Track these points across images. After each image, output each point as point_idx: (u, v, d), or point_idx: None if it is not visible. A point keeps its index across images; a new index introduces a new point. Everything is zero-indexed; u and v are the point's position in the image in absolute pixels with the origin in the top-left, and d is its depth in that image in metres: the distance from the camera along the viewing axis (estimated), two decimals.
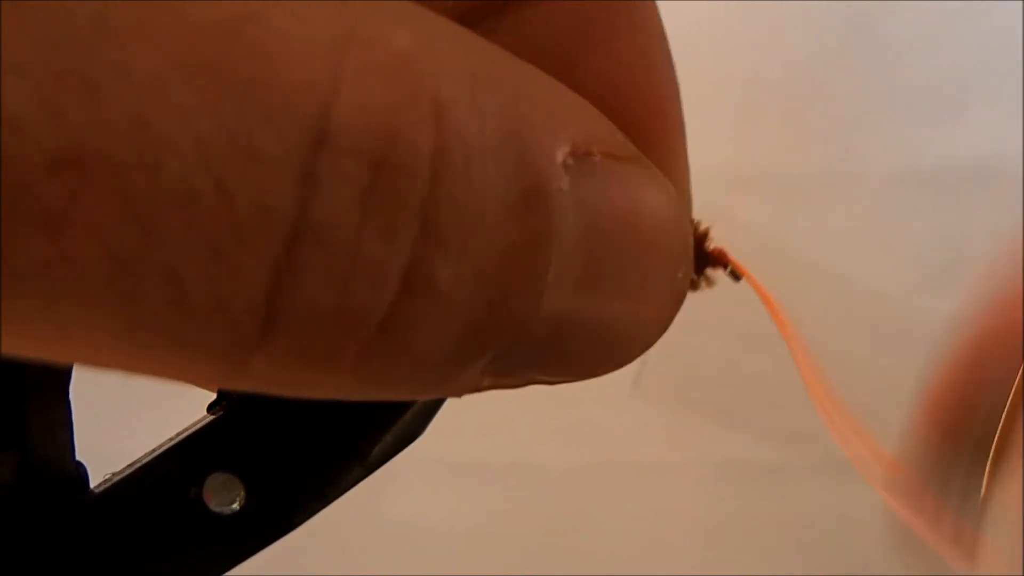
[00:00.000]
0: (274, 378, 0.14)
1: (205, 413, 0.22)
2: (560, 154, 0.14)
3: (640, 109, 0.18)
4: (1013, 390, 0.23)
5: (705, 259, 0.20)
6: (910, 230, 0.60)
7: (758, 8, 0.60)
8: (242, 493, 0.19)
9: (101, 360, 0.13)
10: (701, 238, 0.20)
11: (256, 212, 0.12)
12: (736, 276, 0.20)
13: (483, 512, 0.58)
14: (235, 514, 0.19)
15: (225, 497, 0.19)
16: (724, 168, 0.59)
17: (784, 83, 0.61)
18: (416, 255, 0.13)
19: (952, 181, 0.60)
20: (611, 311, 0.16)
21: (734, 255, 0.20)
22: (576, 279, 0.15)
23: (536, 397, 0.61)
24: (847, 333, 0.59)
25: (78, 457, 0.20)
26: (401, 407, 0.20)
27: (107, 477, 0.20)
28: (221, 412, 0.20)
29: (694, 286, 0.20)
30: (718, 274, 0.20)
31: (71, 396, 0.20)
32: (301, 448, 0.20)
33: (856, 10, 0.61)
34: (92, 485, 0.20)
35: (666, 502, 0.58)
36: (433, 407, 0.20)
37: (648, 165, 0.16)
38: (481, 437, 0.57)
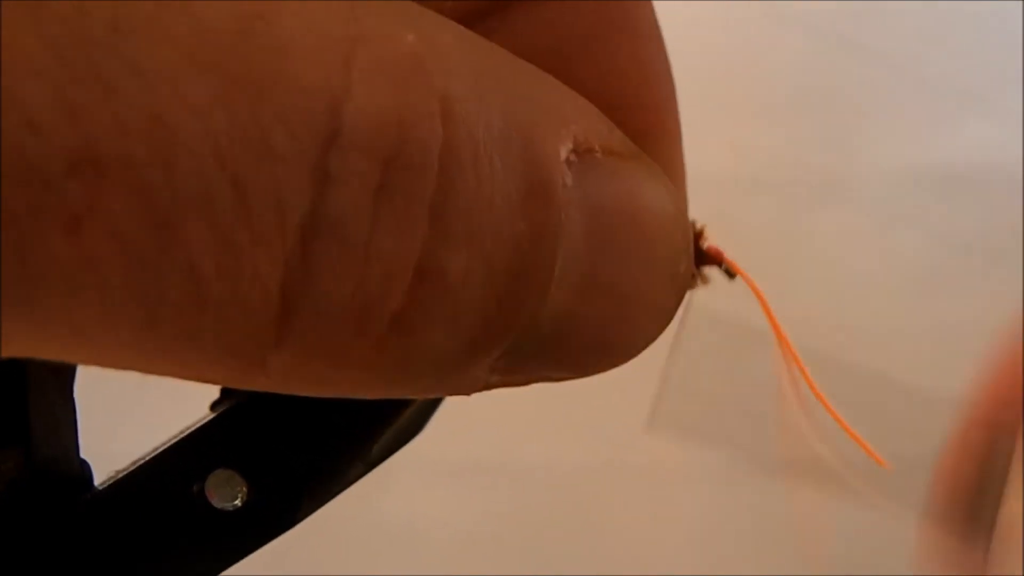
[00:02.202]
0: (291, 375, 0.14)
1: (208, 411, 0.22)
2: (563, 150, 0.15)
3: (637, 108, 0.18)
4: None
5: (700, 257, 0.20)
6: (910, 230, 0.61)
7: (758, 8, 0.60)
8: (244, 489, 0.19)
9: (118, 360, 0.13)
10: (696, 236, 0.20)
11: (271, 208, 0.12)
12: (730, 274, 0.20)
13: (482, 512, 0.58)
14: (237, 510, 0.19)
15: (227, 493, 0.19)
16: (724, 168, 0.59)
17: (784, 83, 0.61)
18: (427, 249, 0.13)
19: (952, 181, 0.60)
20: (616, 303, 0.16)
21: (729, 254, 0.20)
22: (581, 273, 0.15)
23: (536, 397, 0.61)
24: (847, 333, 0.59)
25: (82, 455, 0.21)
26: (402, 403, 0.20)
27: (111, 475, 0.21)
28: (221, 408, 0.20)
29: (690, 284, 0.20)
30: (713, 272, 0.20)
31: (75, 394, 0.20)
32: (303, 444, 0.20)
33: (856, 10, 0.61)
34: (97, 483, 0.20)
35: (666, 502, 0.58)
36: (433, 403, 0.21)
37: (648, 161, 0.16)
38: (481, 437, 0.57)
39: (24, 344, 0.12)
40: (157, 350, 0.13)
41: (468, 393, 0.16)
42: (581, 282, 0.15)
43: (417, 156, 0.13)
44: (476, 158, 0.14)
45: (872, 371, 0.58)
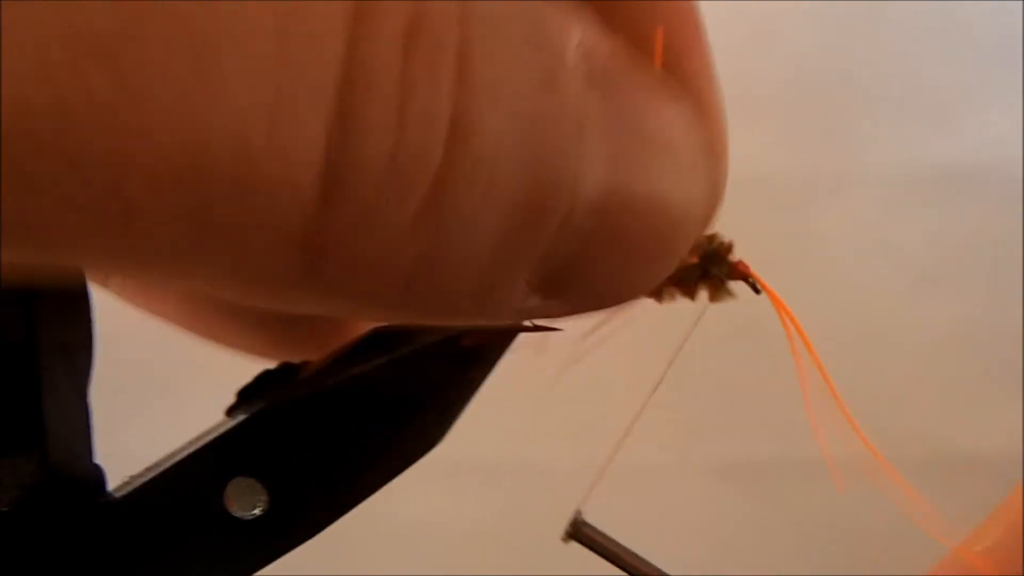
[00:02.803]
0: (332, 261, 0.13)
1: (224, 417, 0.22)
2: (575, 37, 0.15)
3: (665, 31, 0.18)
4: None
5: (728, 272, 0.20)
6: (910, 230, 0.61)
7: (757, 8, 0.60)
8: (264, 498, 0.19)
9: (173, 252, 0.13)
10: (725, 251, 0.20)
11: (310, 47, 0.12)
12: (756, 289, 0.20)
13: (483, 512, 0.58)
14: (257, 519, 0.19)
15: (247, 502, 0.19)
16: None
17: (784, 83, 0.61)
18: (459, 103, 0.13)
19: (952, 181, 0.60)
20: (645, 194, 0.16)
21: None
22: (608, 155, 0.15)
23: (536, 397, 0.61)
24: (847, 333, 0.59)
25: (96, 459, 0.20)
26: (419, 408, 0.20)
27: (126, 480, 0.20)
28: (241, 416, 0.20)
29: (715, 298, 0.20)
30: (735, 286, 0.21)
31: (90, 399, 0.20)
32: (323, 454, 0.20)
33: (856, 10, 0.61)
34: (110, 487, 0.20)
35: (666, 502, 0.58)
36: (453, 413, 0.20)
37: (665, 76, 0.17)
38: (481, 437, 0.57)
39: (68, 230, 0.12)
40: (205, 247, 0.13)
41: (509, 320, 0.16)
42: (611, 164, 0.15)
43: (438, 8, 0.13)
44: (494, 25, 0.14)
45: (872, 371, 0.58)
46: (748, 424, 0.59)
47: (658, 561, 0.59)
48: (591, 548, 0.26)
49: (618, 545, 0.26)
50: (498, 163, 0.14)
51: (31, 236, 0.12)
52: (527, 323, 0.21)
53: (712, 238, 0.20)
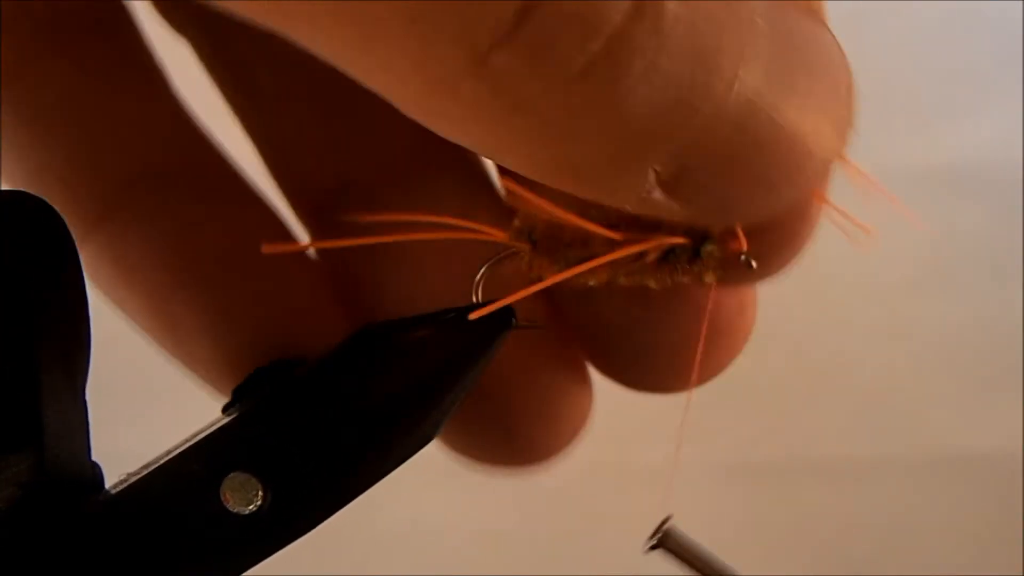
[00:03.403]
0: (502, 83, 0.14)
1: (220, 414, 0.22)
2: None
3: None
4: None
5: (721, 249, 0.20)
6: (910, 230, 0.60)
7: None
8: (261, 493, 0.19)
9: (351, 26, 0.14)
10: (714, 229, 0.20)
11: None
12: (750, 264, 0.21)
13: (483, 512, 0.58)
14: (253, 514, 0.19)
15: (244, 497, 0.19)
16: None
17: None
18: None
19: (952, 181, 0.60)
20: (793, 115, 0.16)
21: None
22: (766, 68, 0.16)
23: None
24: (847, 333, 0.59)
25: (93, 457, 0.20)
26: (416, 407, 0.20)
27: (123, 477, 0.20)
28: (237, 412, 0.20)
29: (709, 276, 0.20)
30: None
31: (87, 396, 0.20)
32: (320, 448, 0.20)
33: (855, 10, 0.61)
34: (107, 485, 0.20)
35: (672, 502, 0.58)
36: (448, 408, 0.21)
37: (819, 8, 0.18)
38: None
39: None
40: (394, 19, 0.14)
41: (628, 203, 0.16)
42: (765, 77, 0.16)
43: None
44: None
45: (872, 370, 0.58)
46: (752, 424, 0.59)
47: (659, 560, 0.59)
48: (677, 556, 0.25)
49: (707, 554, 0.25)
50: (669, 40, 0.15)
51: None
52: (519, 322, 0.21)
53: None
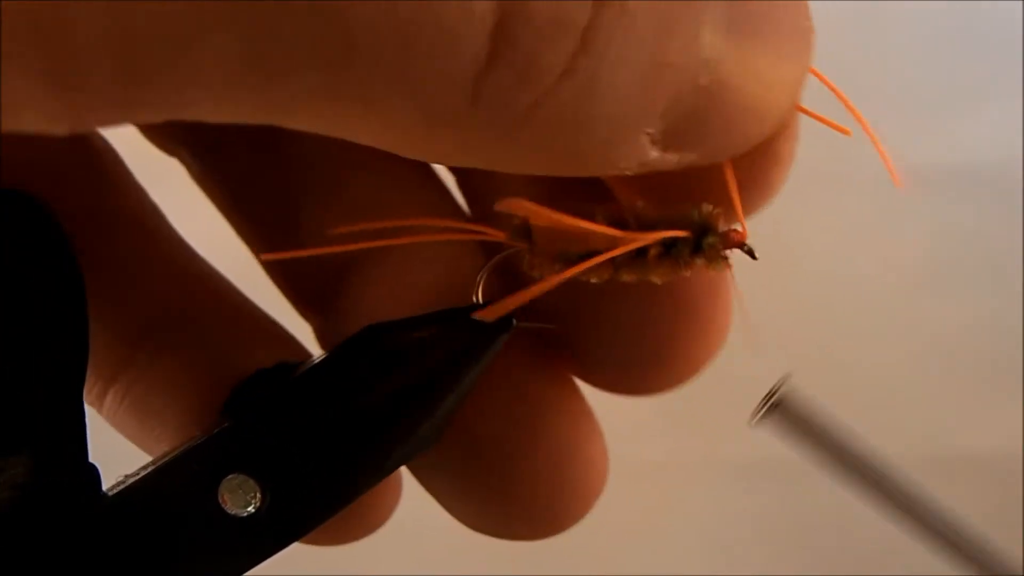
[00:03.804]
0: (497, 104, 0.15)
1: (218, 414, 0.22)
2: None
3: None
4: None
5: (722, 241, 0.20)
6: (910, 230, 0.60)
7: None
8: (258, 495, 0.19)
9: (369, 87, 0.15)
10: (715, 220, 0.20)
11: None
12: (753, 255, 0.21)
13: None
14: (251, 516, 0.19)
15: (241, 499, 0.19)
16: None
17: None
18: None
19: (952, 181, 0.60)
20: (758, 64, 0.18)
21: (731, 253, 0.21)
22: (727, 22, 0.17)
23: None
24: (847, 333, 0.59)
25: (91, 459, 0.20)
26: (417, 410, 0.20)
27: (120, 479, 0.20)
28: (236, 414, 0.20)
29: (711, 269, 0.20)
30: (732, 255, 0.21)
31: (83, 399, 0.20)
32: (319, 450, 0.19)
33: (855, 10, 0.61)
34: (105, 487, 0.20)
35: (667, 502, 0.58)
36: (449, 412, 0.20)
37: None
38: None
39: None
40: (396, 84, 0.15)
41: (630, 168, 0.17)
42: (728, 31, 0.17)
43: None
44: None
45: (872, 370, 0.58)
46: (749, 424, 0.59)
47: (659, 560, 0.59)
48: (794, 426, 0.22)
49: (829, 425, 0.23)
50: (636, 16, 0.16)
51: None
52: (521, 323, 0.21)
53: (700, 209, 0.20)
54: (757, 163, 0.20)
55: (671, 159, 0.18)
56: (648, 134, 0.17)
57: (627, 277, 0.21)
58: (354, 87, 0.15)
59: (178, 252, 0.25)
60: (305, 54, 0.14)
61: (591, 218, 0.20)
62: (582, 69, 0.16)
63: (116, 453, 0.21)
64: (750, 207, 0.21)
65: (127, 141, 0.24)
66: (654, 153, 0.17)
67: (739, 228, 0.20)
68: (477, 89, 0.15)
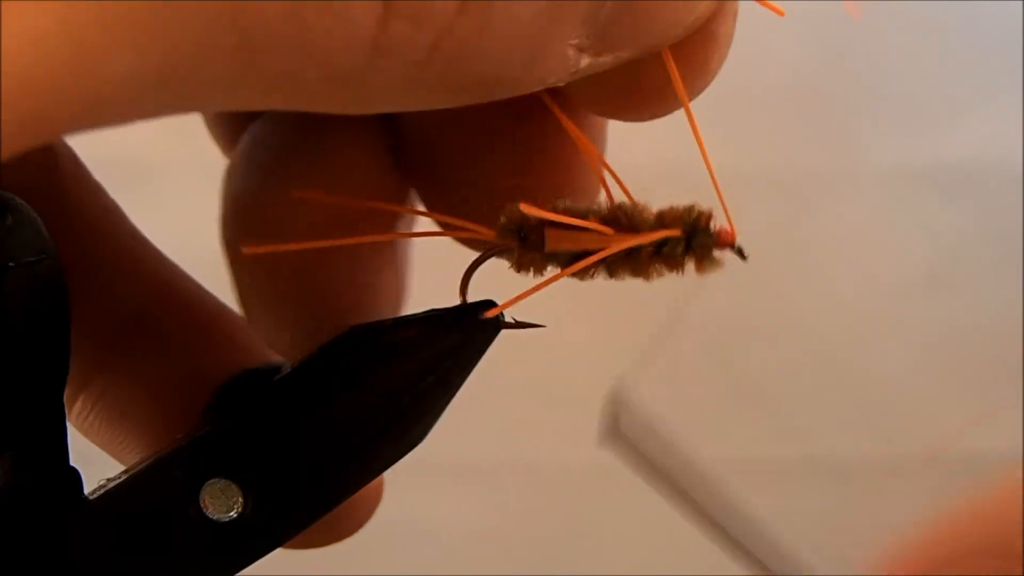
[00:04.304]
0: (399, 55, 0.15)
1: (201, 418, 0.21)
2: None
3: None
4: None
5: (713, 241, 0.20)
6: (910, 230, 0.60)
7: (758, 8, 0.59)
8: (241, 500, 0.19)
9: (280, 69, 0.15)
10: (706, 220, 0.20)
11: None
12: (743, 255, 0.20)
13: (483, 512, 0.58)
14: (233, 521, 0.19)
15: (223, 503, 0.19)
16: (724, 168, 0.58)
17: (784, 83, 0.61)
18: None
19: (952, 181, 0.60)
20: None
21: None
22: None
23: (537, 398, 0.60)
24: (847, 332, 0.59)
25: (71, 462, 0.20)
26: (402, 412, 0.20)
27: (101, 483, 0.20)
28: (217, 417, 0.20)
29: (702, 269, 0.20)
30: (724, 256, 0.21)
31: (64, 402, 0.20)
32: (302, 454, 0.19)
33: (854, 10, 0.61)
34: (86, 491, 0.20)
35: (666, 502, 0.58)
36: (434, 412, 0.20)
37: None
38: (481, 438, 0.57)
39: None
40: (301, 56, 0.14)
41: (561, 80, 0.17)
42: None
43: None
44: None
45: (872, 370, 0.58)
46: (752, 423, 0.59)
47: (659, 560, 0.58)
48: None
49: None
50: None
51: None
52: (510, 320, 0.21)
53: (691, 209, 0.20)
54: (693, 45, 0.20)
55: (605, 61, 0.17)
56: (572, 45, 0.17)
57: (620, 276, 0.21)
58: (257, 75, 0.15)
59: (144, 255, 0.25)
60: (209, 54, 0.14)
61: (581, 214, 0.20)
62: (473, 5, 0.15)
63: (97, 457, 0.21)
64: (689, 91, 0.20)
65: (93, 144, 0.24)
66: (585, 60, 0.17)
67: (728, 228, 0.20)
68: (376, 46, 0.15)
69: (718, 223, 0.20)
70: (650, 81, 0.20)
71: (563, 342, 0.58)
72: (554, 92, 0.20)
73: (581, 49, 0.17)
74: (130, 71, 0.14)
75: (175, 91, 0.15)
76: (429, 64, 0.16)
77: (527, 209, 0.19)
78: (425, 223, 0.23)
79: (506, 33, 0.16)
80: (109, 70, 0.13)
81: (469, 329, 0.20)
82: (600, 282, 0.21)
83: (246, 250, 0.21)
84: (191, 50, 0.14)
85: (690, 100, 0.20)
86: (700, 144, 0.20)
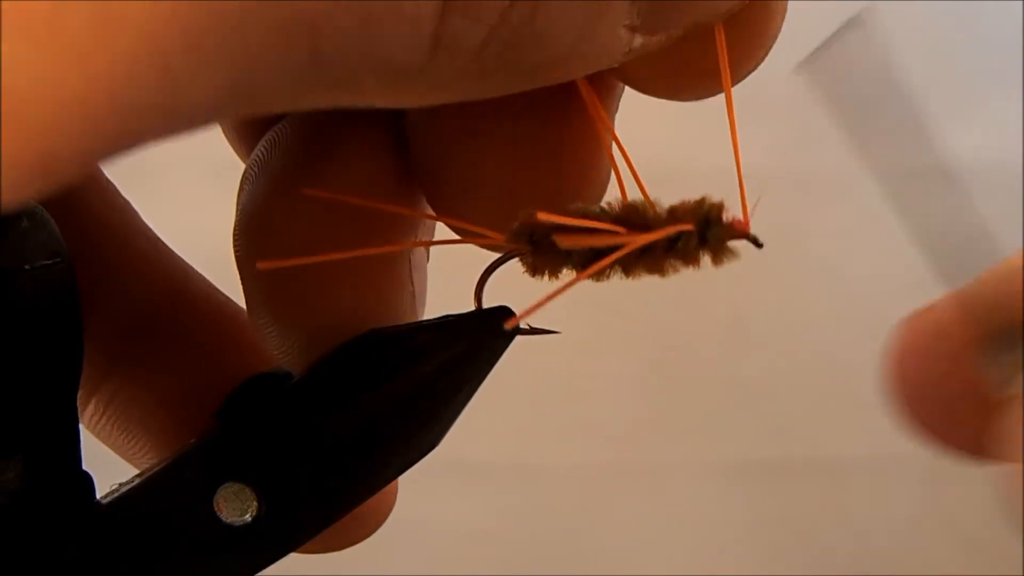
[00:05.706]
0: (456, 48, 0.16)
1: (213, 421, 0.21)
2: None
3: None
4: None
5: (727, 232, 0.20)
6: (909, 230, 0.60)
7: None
8: (255, 503, 0.19)
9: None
10: (718, 212, 0.20)
11: None
12: (759, 244, 0.20)
13: (484, 513, 0.58)
14: (248, 525, 0.19)
15: (237, 507, 0.19)
16: (725, 167, 0.58)
17: (785, 83, 0.61)
18: None
19: (952, 181, 0.60)
20: None
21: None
22: None
23: (537, 398, 0.60)
24: (847, 332, 0.59)
25: (84, 466, 0.20)
26: (419, 418, 0.20)
27: (114, 487, 0.20)
28: (230, 421, 0.20)
29: (718, 261, 0.20)
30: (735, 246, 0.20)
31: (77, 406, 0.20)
32: (316, 458, 0.19)
33: (855, 10, 0.61)
34: (99, 495, 0.20)
35: (666, 502, 0.58)
36: (449, 417, 0.20)
37: None
38: (483, 438, 0.57)
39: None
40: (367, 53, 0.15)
41: (615, 62, 0.18)
42: None
43: None
44: None
45: (872, 370, 0.58)
46: (752, 424, 0.59)
47: (659, 560, 0.58)
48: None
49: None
50: None
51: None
52: (524, 326, 0.21)
53: (702, 203, 0.20)
54: (749, 19, 0.20)
55: (658, 39, 0.18)
56: (625, 25, 0.17)
57: (635, 275, 0.20)
58: (321, 78, 0.15)
59: (157, 256, 0.24)
60: (284, 65, 0.15)
61: (592, 215, 0.20)
62: None
63: (110, 461, 0.20)
64: (746, 65, 0.21)
65: None
66: (638, 41, 0.17)
67: (741, 218, 0.20)
68: (435, 41, 0.16)
69: (731, 214, 0.20)
70: (704, 58, 0.20)
71: (564, 342, 0.58)
72: (571, 87, 0.20)
73: (633, 29, 0.17)
74: (213, 92, 0.14)
75: (246, 101, 0.15)
76: (484, 54, 0.16)
77: (543, 216, 0.19)
78: (436, 229, 0.23)
79: (558, 18, 0.16)
80: (193, 91, 0.14)
81: (485, 335, 0.20)
82: (600, 283, 0.21)
83: (261, 265, 0.20)
84: (269, 64, 0.14)
85: (748, 73, 0.20)
86: (732, 118, 0.20)
